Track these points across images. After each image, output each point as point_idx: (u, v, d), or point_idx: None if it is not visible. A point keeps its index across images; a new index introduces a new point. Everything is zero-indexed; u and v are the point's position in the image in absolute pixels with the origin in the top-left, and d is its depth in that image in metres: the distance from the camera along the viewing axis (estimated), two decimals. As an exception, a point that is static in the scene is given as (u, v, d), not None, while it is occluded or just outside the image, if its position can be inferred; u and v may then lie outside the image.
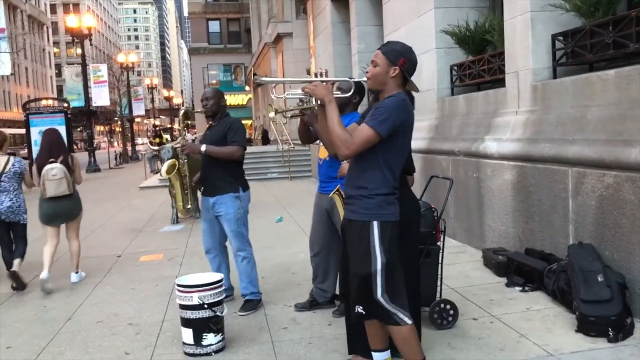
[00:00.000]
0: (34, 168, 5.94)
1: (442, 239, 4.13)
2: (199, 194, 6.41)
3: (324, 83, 2.98)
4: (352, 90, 3.69)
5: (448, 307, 4.01)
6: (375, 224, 2.87)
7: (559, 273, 4.38)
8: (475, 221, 6.23)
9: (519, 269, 4.93)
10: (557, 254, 4.78)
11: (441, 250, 4.11)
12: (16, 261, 5.84)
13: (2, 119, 53.38)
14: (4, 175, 5.87)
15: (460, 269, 5.52)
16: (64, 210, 5.94)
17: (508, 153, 5.54)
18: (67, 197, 5.88)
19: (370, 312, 2.93)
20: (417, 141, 7.18)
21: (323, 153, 4.35)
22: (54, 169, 5.78)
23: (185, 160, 4.85)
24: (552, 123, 5.01)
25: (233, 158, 4.63)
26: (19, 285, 5.70)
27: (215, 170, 4.66)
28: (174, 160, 4.58)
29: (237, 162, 4.73)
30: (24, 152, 21.52)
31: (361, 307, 2.94)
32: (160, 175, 4.63)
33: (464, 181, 6.40)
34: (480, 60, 6.58)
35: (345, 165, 3.69)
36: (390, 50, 2.94)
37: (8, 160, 5.94)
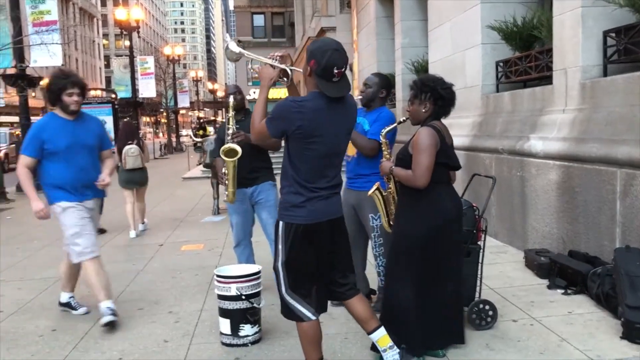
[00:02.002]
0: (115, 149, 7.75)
1: (483, 238, 4.06)
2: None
3: (273, 69, 3.09)
4: (377, 85, 3.64)
5: (487, 307, 3.95)
6: (281, 224, 2.99)
7: (603, 277, 4.26)
8: (518, 221, 6.11)
9: (562, 271, 4.81)
10: (603, 257, 4.65)
11: (482, 250, 4.04)
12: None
13: (52, 109, 55.04)
14: None
15: (501, 269, 5.43)
16: (137, 179, 8.16)
17: (554, 152, 5.40)
18: (140, 170, 8.14)
19: (281, 306, 3.10)
20: (460, 138, 7.08)
21: (351, 150, 4.34)
22: (132, 148, 8.02)
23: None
24: (601, 122, 4.86)
25: (274, 149, 4.69)
26: (101, 231, 7.86)
27: (255, 161, 4.72)
28: (232, 145, 4.55)
29: (268, 155, 4.89)
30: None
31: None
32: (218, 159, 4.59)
33: (507, 180, 6.28)
34: (527, 56, 6.43)
35: (385, 163, 3.66)
36: (309, 49, 2.91)
37: None
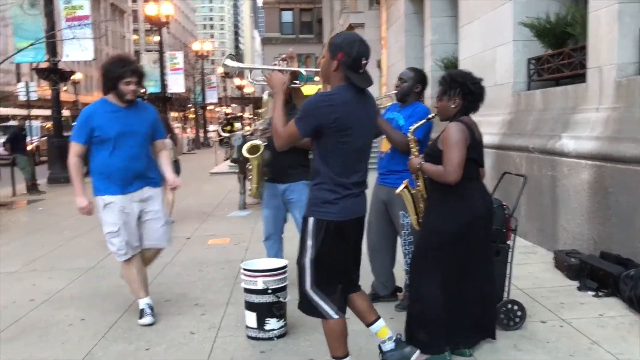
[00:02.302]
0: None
1: (512, 238, 4.00)
2: None
3: (282, 73, 3.07)
4: (412, 80, 3.61)
5: (515, 307, 3.89)
6: (311, 220, 2.96)
7: (637, 279, 4.17)
8: (548, 221, 6.01)
9: (593, 272, 4.71)
10: (636, 259, 4.55)
11: (511, 249, 3.98)
12: None
13: (85, 103, 55.98)
14: None
15: (530, 269, 5.34)
16: None
17: (586, 152, 5.30)
18: (173, 162, 7.82)
19: (300, 302, 3.08)
20: (490, 136, 6.99)
21: (385, 146, 4.31)
22: (166, 142, 7.85)
23: (266, 144, 4.84)
24: (636, 121, 4.75)
25: (307, 146, 4.66)
26: None
27: (289, 158, 4.65)
28: (256, 141, 4.58)
29: (306, 152, 4.74)
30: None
31: (298, 298, 3.10)
32: (238, 155, 4.68)
33: (537, 179, 6.18)
34: (560, 54, 6.31)
35: (413, 160, 3.62)
36: (332, 43, 2.89)
37: None
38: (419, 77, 4.24)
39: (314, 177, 2.96)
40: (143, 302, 4.32)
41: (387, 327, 3.27)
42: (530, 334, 3.80)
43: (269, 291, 3.82)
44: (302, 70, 3.59)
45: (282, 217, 4.88)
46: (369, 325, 3.21)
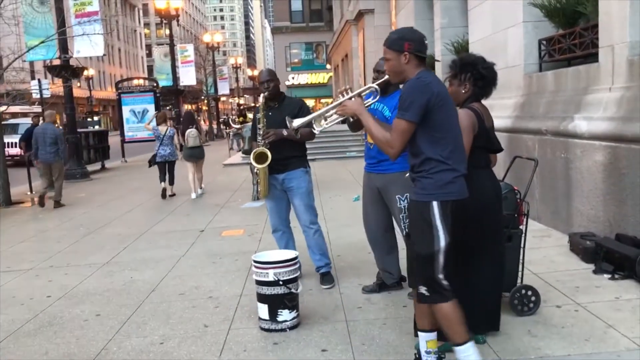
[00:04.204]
0: (180, 132, 11.94)
1: (525, 223, 3.95)
2: None
3: (352, 99, 3.12)
4: (377, 97, 3.54)
5: (529, 293, 3.85)
6: (435, 204, 2.84)
7: (653, 261, 4.10)
8: (562, 204, 5.93)
9: (609, 255, 4.65)
10: (652, 241, 4.47)
11: (524, 234, 3.94)
12: (168, 186, 10.81)
13: (98, 98, 56.34)
14: (165, 137, 10.66)
15: (545, 253, 5.29)
16: (196, 154, 10.77)
17: (599, 132, 5.21)
18: (198, 147, 10.81)
19: (432, 292, 2.90)
20: (501, 119, 6.90)
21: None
22: (192, 131, 10.85)
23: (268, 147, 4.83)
24: (650, 100, 4.66)
25: (310, 139, 4.70)
26: (169, 196, 10.67)
27: (287, 149, 4.70)
28: (263, 149, 4.62)
29: (303, 143, 4.86)
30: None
31: (425, 289, 2.92)
32: (252, 165, 4.76)
33: (550, 162, 6.10)
34: (571, 33, 6.20)
35: None
36: (392, 41, 2.96)
37: (167, 129, 10.79)
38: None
39: (423, 165, 2.88)
40: None
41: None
42: (545, 319, 3.77)
43: (280, 283, 3.82)
44: (366, 87, 3.52)
45: (284, 207, 4.92)
46: (422, 330, 3.06)
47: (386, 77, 3.21)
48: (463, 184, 2.92)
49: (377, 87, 3.35)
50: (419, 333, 3.07)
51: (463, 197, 2.91)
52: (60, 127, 11.83)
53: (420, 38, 2.94)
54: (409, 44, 2.90)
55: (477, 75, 3.37)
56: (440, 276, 2.88)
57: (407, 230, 3.26)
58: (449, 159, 2.85)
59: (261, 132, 4.69)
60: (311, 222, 4.82)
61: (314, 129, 3.66)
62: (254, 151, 4.71)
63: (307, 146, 5.04)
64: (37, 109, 23.42)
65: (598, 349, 3.32)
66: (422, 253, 2.90)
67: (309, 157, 5.03)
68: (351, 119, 3.58)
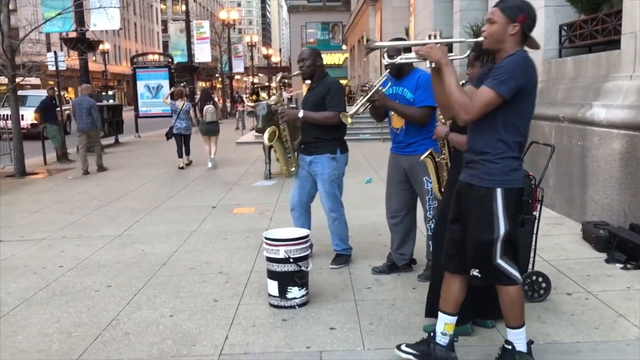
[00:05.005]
0: (197, 108, 13.60)
1: (538, 209, 3.92)
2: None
3: (438, 45, 2.80)
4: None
5: (540, 279, 3.84)
6: (499, 191, 2.75)
7: (667, 252, 4.06)
8: (577, 192, 5.88)
9: (622, 244, 4.62)
10: (667, 232, 4.43)
11: (537, 220, 3.91)
12: (185, 157, 11.81)
13: (112, 72, 56.43)
14: (181, 112, 11.52)
15: (557, 241, 5.26)
16: (212, 129, 11.66)
17: (618, 121, 5.14)
18: (214, 122, 11.73)
19: (486, 275, 2.85)
20: (518, 105, 6.82)
21: (397, 122, 4.28)
22: (210, 107, 11.75)
23: (285, 126, 4.87)
24: (672, 89, 4.58)
25: (329, 123, 4.61)
26: (185, 165, 11.66)
27: (315, 131, 4.65)
28: (274, 127, 4.67)
29: (336, 125, 4.66)
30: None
31: (477, 271, 2.86)
32: (264, 141, 4.82)
33: (567, 149, 6.03)
34: (593, 19, 6.09)
35: (440, 128, 3.55)
36: (508, 6, 2.73)
37: (184, 104, 11.64)
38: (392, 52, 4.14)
39: (487, 147, 2.76)
40: None
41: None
42: (555, 306, 3.75)
43: (291, 260, 3.83)
44: (460, 40, 3.43)
45: (307, 190, 4.86)
46: (444, 312, 3.01)
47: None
48: (522, 171, 2.86)
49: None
50: (440, 314, 3.03)
51: (522, 186, 2.85)
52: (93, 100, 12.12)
53: (535, 17, 2.78)
54: (524, 16, 2.71)
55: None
56: (500, 261, 2.81)
57: (453, 214, 3.11)
58: (518, 147, 2.78)
59: (280, 110, 4.79)
60: (331, 209, 4.76)
61: (347, 115, 3.71)
62: (267, 129, 4.76)
63: None
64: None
65: (607, 337, 3.31)
66: (480, 239, 2.82)
67: None
68: (378, 90, 3.55)
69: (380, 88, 4.17)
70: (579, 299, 3.89)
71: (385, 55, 3.08)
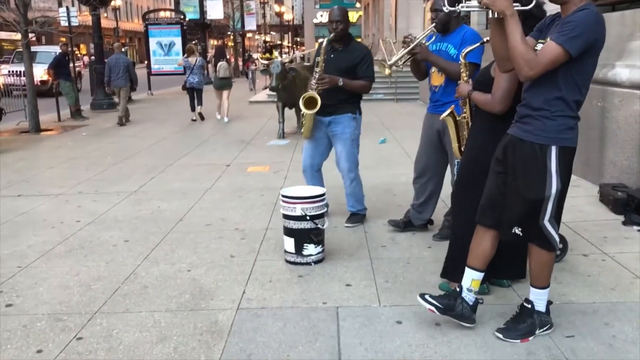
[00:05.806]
0: (211, 63, 19.25)
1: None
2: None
3: None
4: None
5: (557, 240, 3.82)
6: (554, 148, 2.69)
7: (686, 215, 4.03)
8: (595, 154, 5.81)
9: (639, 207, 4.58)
10: (687, 195, 4.38)
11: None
12: (198, 107, 12.39)
13: (124, 29, 55.93)
14: (195, 67, 12.16)
15: (574, 203, 5.21)
16: (225, 84, 12.30)
17: (641, 81, 5.03)
18: (227, 78, 12.43)
19: (528, 235, 2.82)
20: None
21: (437, 80, 4.17)
22: (223, 64, 12.62)
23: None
24: (699, 49, 4.46)
25: (363, 92, 4.58)
26: (200, 119, 12.35)
27: (338, 93, 4.54)
28: (313, 94, 4.48)
29: None
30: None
31: (520, 229, 2.82)
32: (302, 110, 4.64)
33: (586, 110, 5.85)
34: (619, -24, 5.91)
35: (463, 86, 3.47)
36: None
37: (196, 59, 12.29)
38: (452, 1, 4.02)
39: (545, 104, 2.67)
40: None
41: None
42: (571, 267, 3.75)
43: (307, 217, 3.84)
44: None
45: (320, 152, 4.82)
46: (472, 267, 2.98)
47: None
48: (577, 131, 2.76)
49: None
50: (467, 269, 3.00)
51: (575, 146, 2.76)
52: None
53: None
54: None
55: (527, 13, 3.21)
56: (546, 223, 2.77)
57: (497, 168, 3.01)
58: (576, 106, 2.69)
59: (316, 76, 4.49)
60: (349, 169, 4.72)
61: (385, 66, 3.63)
62: (303, 95, 4.53)
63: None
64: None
65: (624, 298, 3.31)
66: (529, 197, 2.75)
67: None
68: (420, 43, 3.52)
69: (423, 42, 4.08)
70: (595, 260, 3.88)
71: (445, 1, 2.94)
